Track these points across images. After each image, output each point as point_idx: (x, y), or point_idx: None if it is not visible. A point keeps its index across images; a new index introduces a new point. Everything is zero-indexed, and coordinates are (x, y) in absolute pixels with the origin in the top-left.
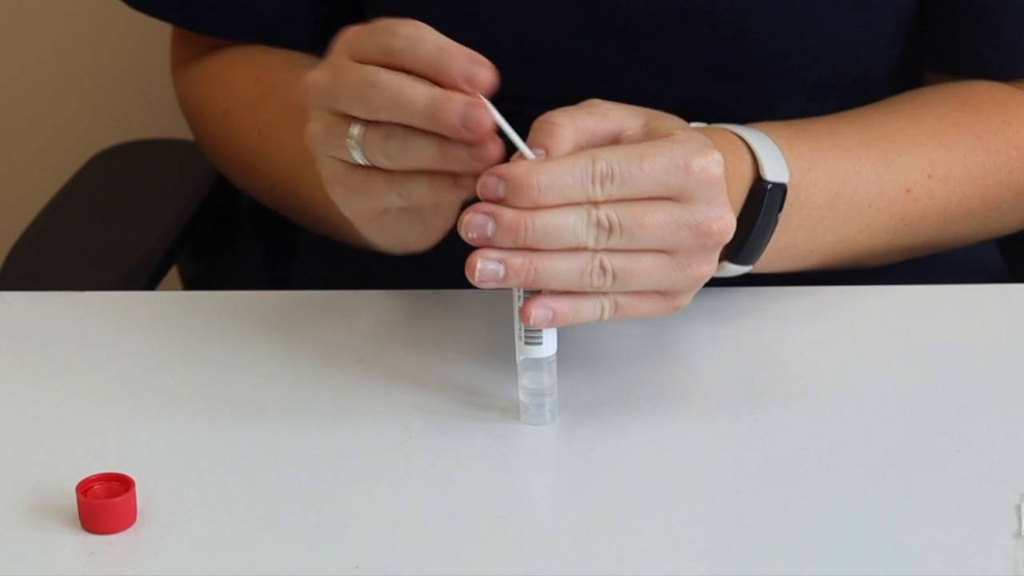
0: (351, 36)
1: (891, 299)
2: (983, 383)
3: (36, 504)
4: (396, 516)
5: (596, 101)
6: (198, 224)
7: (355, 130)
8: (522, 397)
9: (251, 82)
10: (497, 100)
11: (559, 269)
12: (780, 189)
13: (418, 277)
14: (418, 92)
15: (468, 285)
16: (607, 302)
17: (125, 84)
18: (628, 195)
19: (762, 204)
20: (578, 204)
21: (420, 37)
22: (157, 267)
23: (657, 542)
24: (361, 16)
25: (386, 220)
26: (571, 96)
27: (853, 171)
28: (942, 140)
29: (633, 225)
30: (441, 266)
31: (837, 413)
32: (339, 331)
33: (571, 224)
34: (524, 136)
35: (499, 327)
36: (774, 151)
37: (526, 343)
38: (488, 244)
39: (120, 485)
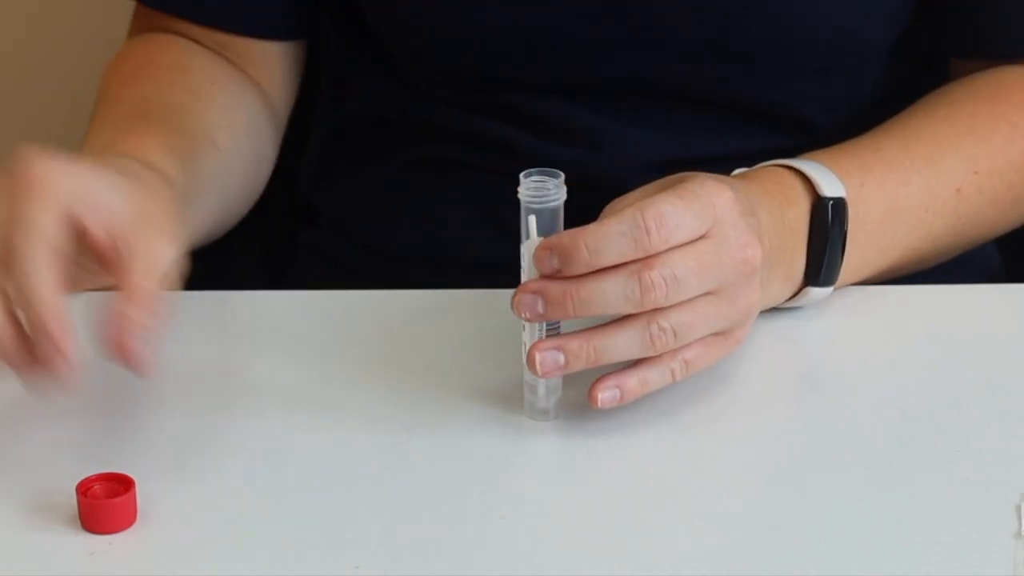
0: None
1: (891, 299)
2: (983, 383)
3: (36, 504)
4: (396, 516)
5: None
6: None
7: None
8: (527, 393)
9: (129, 71)
10: (494, 88)
11: (619, 343)
12: (840, 203)
13: (418, 277)
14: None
15: (468, 285)
16: (675, 364)
17: None
18: (682, 238)
19: (827, 221)
20: (626, 267)
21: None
22: None
23: (658, 542)
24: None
25: None
26: (569, 80)
27: (903, 181)
28: (980, 135)
29: (689, 274)
30: (441, 266)
31: (837, 413)
32: (339, 331)
33: (620, 289)
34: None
35: (499, 326)
36: (824, 171)
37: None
38: (543, 318)
39: (120, 485)
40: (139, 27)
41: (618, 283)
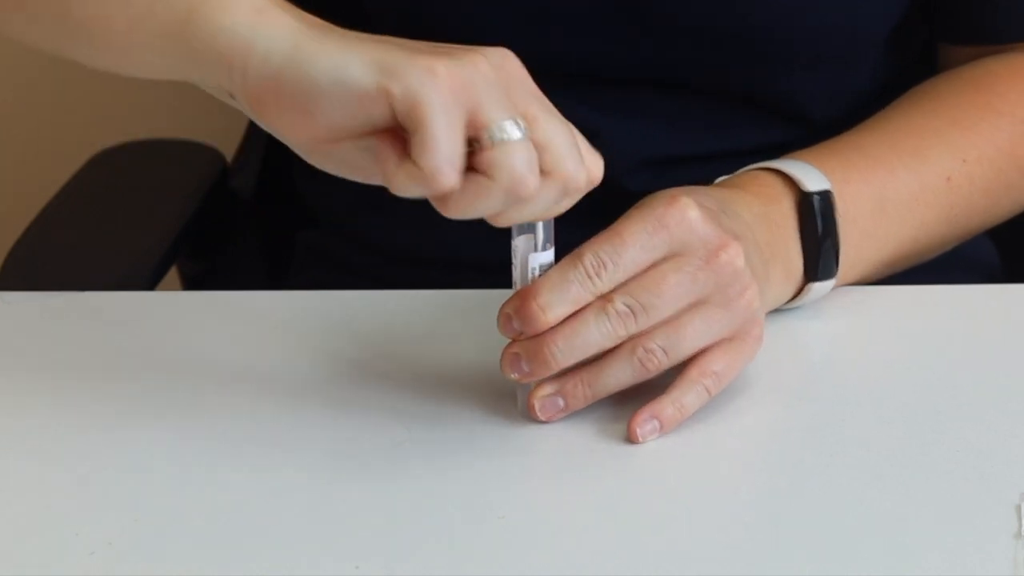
0: (526, 99)
1: (890, 298)
2: (983, 383)
3: (36, 504)
4: (396, 516)
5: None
6: (198, 224)
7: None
8: (520, 393)
9: None
10: None
11: (612, 374)
12: (826, 195)
13: (418, 277)
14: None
15: (468, 285)
16: (707, 381)
17: (125, 84)
18: (628, 273)
19: (815, 214)
20: (591, 305)
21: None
22: (157, 267)
23: (657, 542)
24: None
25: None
26: (565, 74)
27: (889, 173)
28: (965, 124)
29: (652, 297)
30: (441, 266)
31: (837, 413)
32: (338, 331)
33: (593, 329)
34: None
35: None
36: (806, 167)
37: None
38: (531, 377)
39: None
40: None
41: (589, 322)
